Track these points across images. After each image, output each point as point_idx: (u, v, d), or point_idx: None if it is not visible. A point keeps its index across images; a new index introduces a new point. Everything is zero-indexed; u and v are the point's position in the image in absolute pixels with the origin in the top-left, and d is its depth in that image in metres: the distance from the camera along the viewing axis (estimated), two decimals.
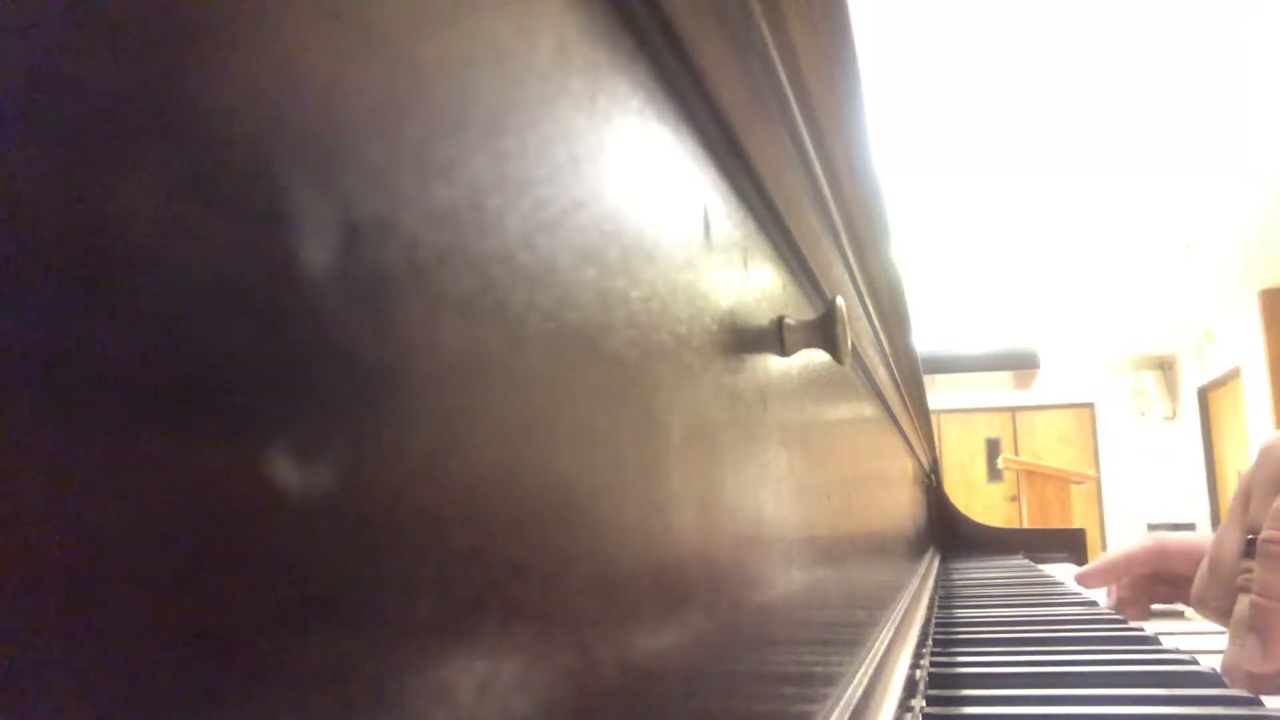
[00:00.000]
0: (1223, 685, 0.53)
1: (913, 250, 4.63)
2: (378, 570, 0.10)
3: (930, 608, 0.89)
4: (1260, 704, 0.49)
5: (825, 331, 0.34)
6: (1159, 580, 0.87)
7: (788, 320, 0.34)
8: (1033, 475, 3.70)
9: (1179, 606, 0.92)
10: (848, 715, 0.39)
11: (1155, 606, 0.91)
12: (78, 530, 0.07)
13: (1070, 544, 1.77)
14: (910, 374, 0.97)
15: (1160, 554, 0.85)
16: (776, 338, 0.33)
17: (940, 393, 2.02)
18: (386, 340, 0.11)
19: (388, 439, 0.11)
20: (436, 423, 0.12)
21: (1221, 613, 0.58)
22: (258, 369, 0.09)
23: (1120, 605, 0.89)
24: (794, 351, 0.34)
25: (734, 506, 0.26)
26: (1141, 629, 0.73)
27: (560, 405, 0.15)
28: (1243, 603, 0.54)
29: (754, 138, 0.28)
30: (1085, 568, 0.92)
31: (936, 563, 1.45)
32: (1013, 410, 8.07)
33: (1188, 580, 0.85)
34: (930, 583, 1.08)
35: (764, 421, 0.31)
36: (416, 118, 0.12)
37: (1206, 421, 7.40)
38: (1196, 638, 0.73)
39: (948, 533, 1.81)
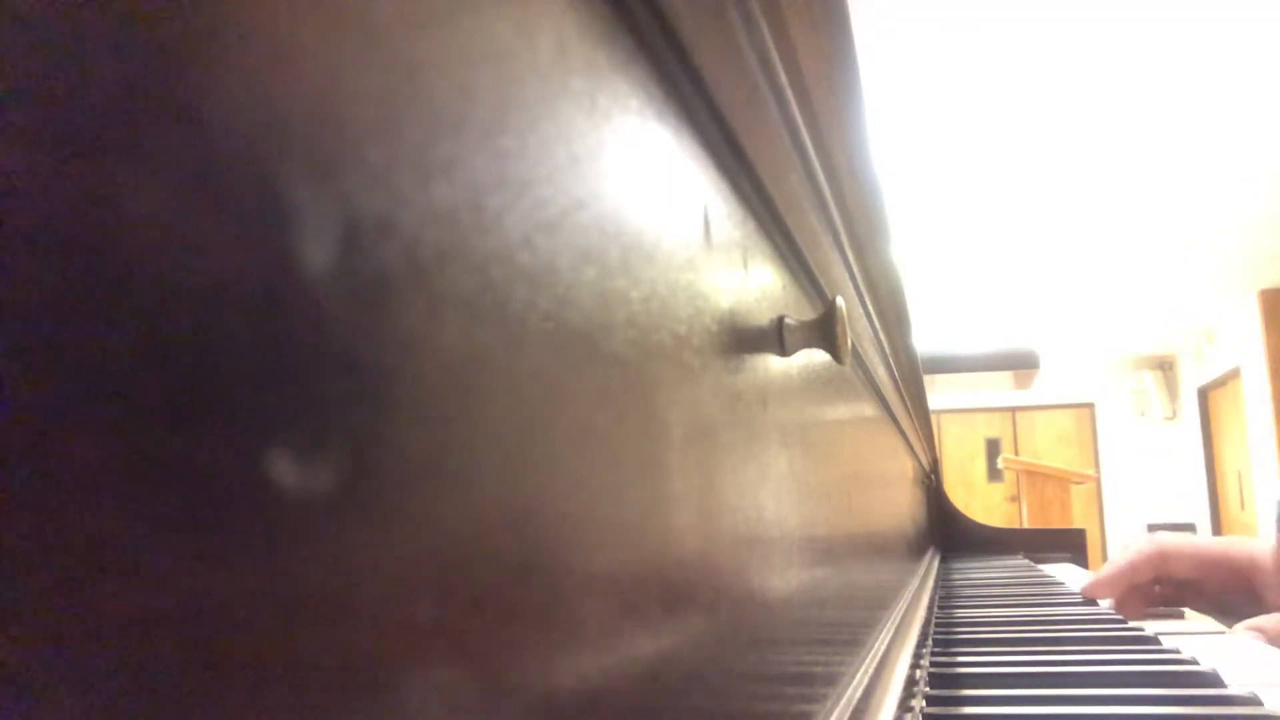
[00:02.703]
0: (1223, 685, 0.53)
1: (913, 250, 4.63)
2: (377, 570, 0.10)
3: (930, 607, 0.89)
4: (1260, 704, 0.49)
5: (825, 331, 0.34)
6: (1158, 583, 0.88)
7: (788, 320, 0.34)
8: (1033, 475, 3.70)
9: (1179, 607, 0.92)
10: (848, 715, 0.39)
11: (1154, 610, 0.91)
12: (77, 529, 0.07)
13: (1070, 544, 1.77)
14: (910, 374, 0.97)
15: (1161, 559, 0.86)
16: (776, 338, 0.33)
17: (940, 393, 2.02)
18: (387, 340, 0.11)
19: (388, 439, 0.11)
20: (437, 422, 0.12)
21: None
22: (258, 369, 0.09)
23: (1117, 607, 0.89)
24: (794, 351, 0.34)
25: (734, 506, 0.26)
26: (1141, 629, 0.72)
27: (560, 405, 0.15)
28: None
29: (754, 138, 0.28)
30: (1090, 581, 0.92)
31: (936, 562, 1.45)
32: (1013, 410, 8.07)
33: (1186, 583, 0.85)
34: (930, 582, 1.08)
35: (764, 421, 0.31)
36: (416, 118, 0.12)
37: (1206, 421, 7.40)
38: (1197, 638, 0.73)
39: (948, 532, 1.81)
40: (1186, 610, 0.91)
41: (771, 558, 0.30)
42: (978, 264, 5.05)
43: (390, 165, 0.11)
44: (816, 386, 0.43)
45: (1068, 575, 1.30)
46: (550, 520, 0.15)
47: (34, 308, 0.07)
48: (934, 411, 1.65)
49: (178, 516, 0.08)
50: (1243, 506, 6.73)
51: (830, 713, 0.38)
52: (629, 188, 0.19)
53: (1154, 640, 0.67)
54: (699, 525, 0.22)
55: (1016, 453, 7.66)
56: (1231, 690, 0.51)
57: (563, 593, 0.15)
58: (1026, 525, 3.45)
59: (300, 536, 0.09)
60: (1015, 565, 1.46)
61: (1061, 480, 3.70)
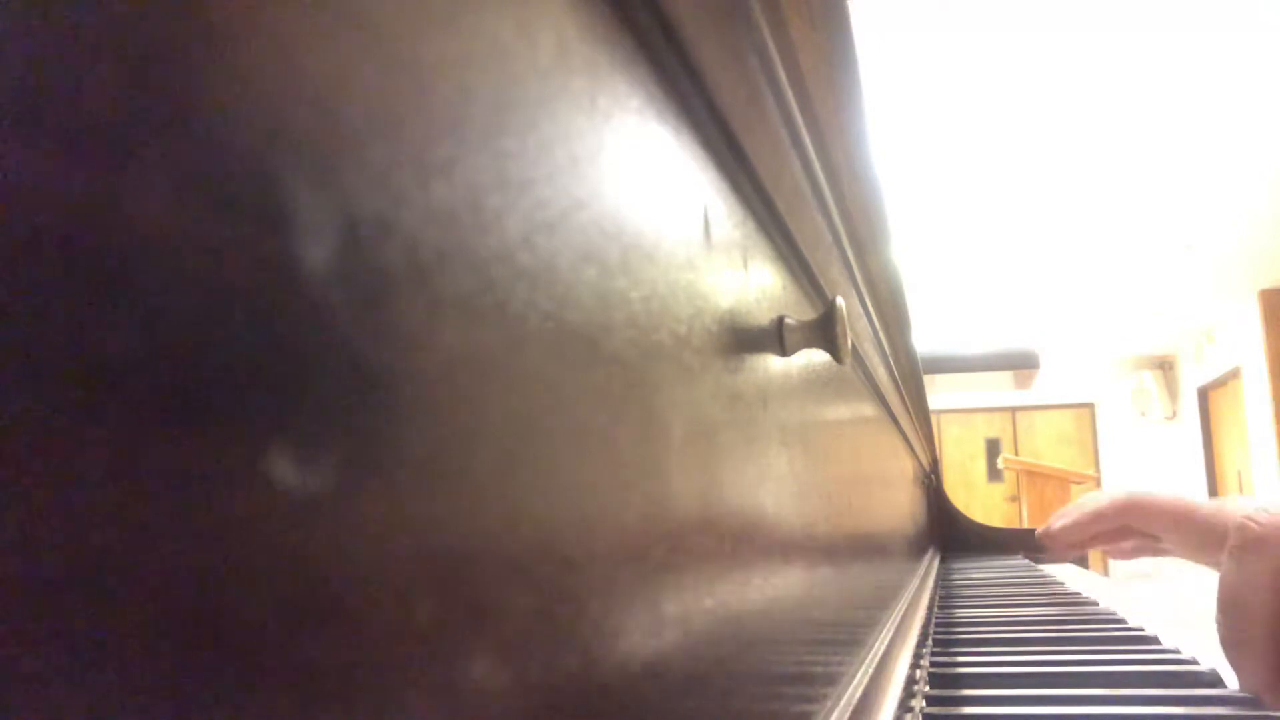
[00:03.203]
0: (1223, 685, 0.53)
1: (913, 250, 4.63)
2: (377, 570, 0.10)
3: (930, 607, 0.88)
4: (1260, 703, 0.49)
5: (825, 331, 0.34)
6: (1131, 532, 0.83)
7: (788, 320, 0.34)
8: (1033, 475, 3.70)
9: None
10: (848, 715, 0.39)
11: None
12: (79, 529, 0.07)
13: None
14: (910, 374, 0.97)
15: (1131, 509, 0.81)
16: (776, 338, 0.33)
17: (940, 393, 2.02)
18: (387, 340, 0.11)
19: (388, 438, 0.11)
20: (437, 422, 0.12)
21: None
22: (259, 368, 0.09)
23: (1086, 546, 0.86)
24: (794, 351, 0.34)
25: (734, 506, 0.26)
26: (1142, 629, 0.72)
27: (560, 405, 0.15)
28: None
29: (754, 138, 0.28)
30: (1048, 525, 0.89)
31: (936, 562, 1.45)
32: (1013, 410, 8.07)
33: (1159, 536, 0.80)
34: (930, 582, 1.08)
35: (764, 421, 0.31)
36: (416, 118, 0.12)
37: (1206, 421, 7.40)
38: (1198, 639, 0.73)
39: (948, 532, 1.81)
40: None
41: (771, 557, 0.30)
42: (978, 264, 5.05)
43: (390, 165, 0.11)
44: (816, 386, 0.43)
45: (1068, 575, 1.30)
46: (550, 519, 0.14)
47: (34, 308, 0.07)
48: (934, 411, 1.65)
49: (178, 516, 0.08)
50: None
51: (830, 713, 0.38)
52: (629, 188, 0.19)
53: (1154, 640, 0.67)
54: (699, 525, 0.22)
55: (1016, 453, 7.67)
56: (1231, 690, 0.51)
57: (563, 591, 0.15)
58: (1026, 525, 3.45)
59: (301, 535, 0.09)
60: (1015, 565, 1.46)
61: (1061, 480, 3.70)
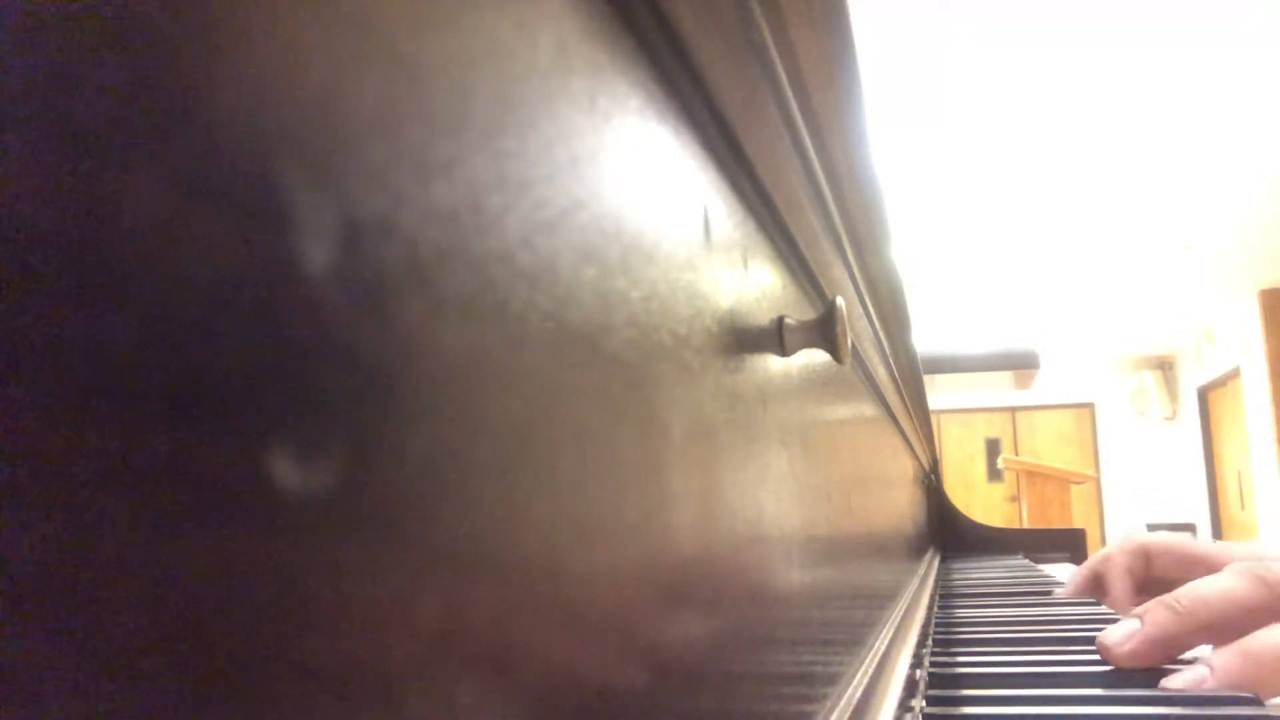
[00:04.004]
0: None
1: (913, 250, 4.63)
2: (377, 571, 0.10)
3: (930, 607, 0.88)
4: (1260, 704, 0.49)
5: (825, 331, 0.34)
6: (1143, 580, 0.85)
7: (788, 320, 0.34)
8: (1033, 475, 3.70)
9: None
10: (848, 715, 0.39)
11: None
12: (77, 529, 0.07)
13: (1070, 544, 1.77)
14: (910, 374, 0.97)
15: (1143, 556, 0.83)
16: (776, 338, 0.33)
17: (940, 393, 2.02)
18: (386, 340, 0.11)
19: (387, 439, 0.11)
20: (436, 423, 0.12)
21: None
22: (258, 369, 0.09)
23: (1108, 602, 0.88)
24: (794, 351, 0.34)
25: (734, 506, 0.26)
26: None
27: (560, 405, 0.15)
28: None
29: (754, 138, 0.28)
30: (1066, 586, 0.91)
31: (936, 562, 1.45)
32: (1013, 410, 8.07)
33: (1173, 583, 0.83)
34: (930, 582, 1.08)
35: (764, 421, 0.31)
36: (416, 118, 0.12)
37: (1206, 421, 7.41)
38: None
39: (948, 532, 1.81)
40: None
41: (772, 558, 0.30)
42: (978, 264, 5.05)
43: (390, 165, 0.11)
44: (816, 386, 0.43)
45: (1068, 575, 1.30)
46: (550, 520, 0.15)
47: (34, 307, 0.07)
48: (934, 411, 1.65)
49: (178, 516, 0.08)
50: (1243, 506, 6.73)
51: (830, 712, 0.38)
52: (629, 188, 0.19)
53: None
54: (699, 525, 0.22)
55: (1016, 453, 7.67)
56: (1232, 690, 0.51)
57: (563, 593, 0.15)
58: (1026, 525, 3.45)
59: (300, 537, 0.09)
60: (1015, 565, 1.46)
61: (1061, 480, 3.70)
